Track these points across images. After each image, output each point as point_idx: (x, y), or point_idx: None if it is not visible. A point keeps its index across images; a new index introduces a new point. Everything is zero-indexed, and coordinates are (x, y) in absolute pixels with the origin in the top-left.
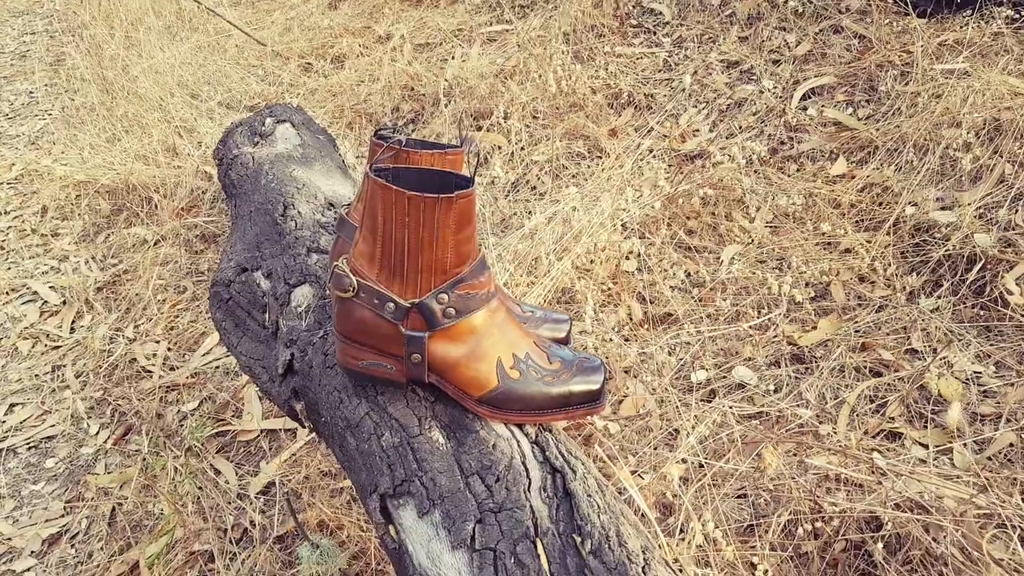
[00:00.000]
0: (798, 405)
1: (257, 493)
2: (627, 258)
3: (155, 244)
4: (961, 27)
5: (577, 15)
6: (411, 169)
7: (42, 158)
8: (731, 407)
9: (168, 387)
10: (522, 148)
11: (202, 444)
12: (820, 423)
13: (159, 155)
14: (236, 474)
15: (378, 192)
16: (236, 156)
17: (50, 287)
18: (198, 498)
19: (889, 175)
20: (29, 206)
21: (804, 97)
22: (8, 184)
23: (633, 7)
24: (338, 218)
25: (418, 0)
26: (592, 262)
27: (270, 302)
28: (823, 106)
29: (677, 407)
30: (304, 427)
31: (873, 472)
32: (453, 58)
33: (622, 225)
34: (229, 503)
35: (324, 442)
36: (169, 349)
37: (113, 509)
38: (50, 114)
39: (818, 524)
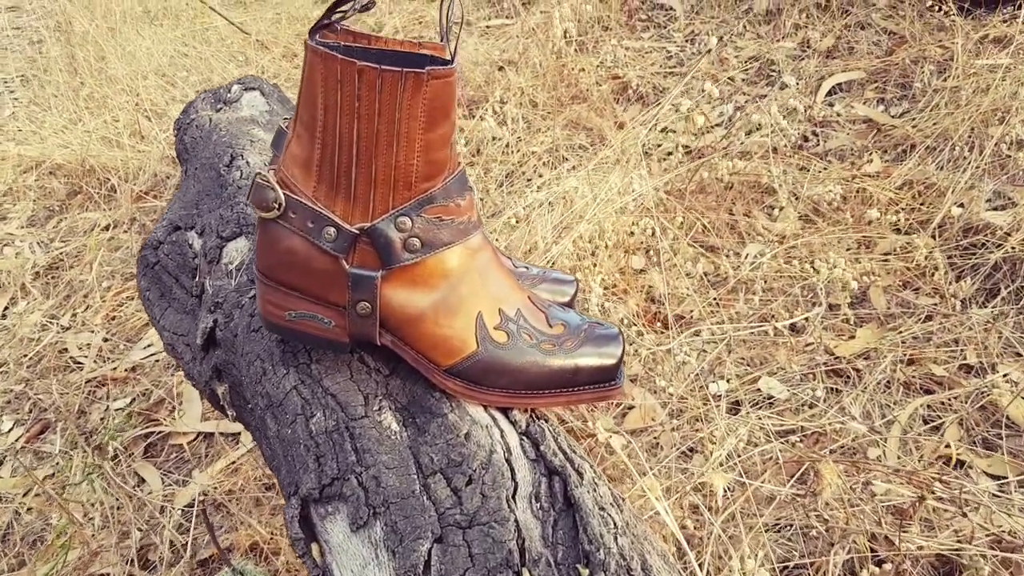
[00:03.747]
0: (842, 421)
1: (185, 506)
2: (635, 254)
3: (107, 228)
4: (1004, 22)
5: (583, 9)
6: (370, 50)
7: (5, 143)
8: (760, 420)
9: (99, 381)
10: (519, 139)
11: (124, 446)
12: (868, 445)
13: (124, 138)
14: (162, 483)
15: (318, 66)
16: (193, 120)
17: None
18: (115, 509)
19: (932, 172)
20: None
21: (830, 93)
22: None
23: (642, 2)
24: (275, 132)
25: None
26: (596, 250)
27: (200, 263)
28: (851, 103)
29: (695, 419)
30: (228, 416)
31: (952, 502)
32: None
33: (631, 210)
34: (149, 519)
35: (252, 436)
36: (106, 340)
37: (11, 520)
38: (21, 102)
39: (885, 566)
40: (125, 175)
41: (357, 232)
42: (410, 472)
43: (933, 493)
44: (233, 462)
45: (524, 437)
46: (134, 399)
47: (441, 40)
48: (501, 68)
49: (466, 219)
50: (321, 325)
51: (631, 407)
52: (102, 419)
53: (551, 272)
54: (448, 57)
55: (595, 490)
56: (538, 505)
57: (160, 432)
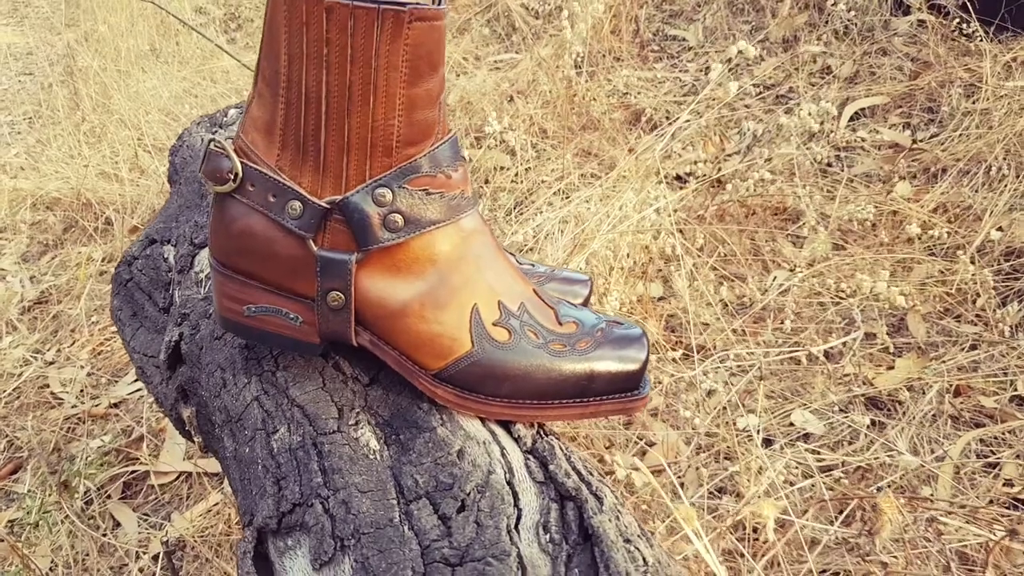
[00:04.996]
0: (891, 455)
1: (158, 553)
2: (653, 280)
3: (101, 261)
4: None
5: (593, 41)
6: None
7: (6, 180)
8: (802, 454)
9: (79, 418)
10: (527, 169)
11: (100, 486)
12: (919, 483)
13: (123, 172)
14: (138, 527)
15: (281, 7)
16: (185, 142)
17: None
18: (84, 555)
19: (967, 195)
20: None
21: (853, 118)
22: None
23: (654, 34)
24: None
25: None
26: (611, 270)
27: (173, 276)
28: (875, 128)
29: (723, 455)
30: (195, 443)
31: None
32: (458, 76)
33: (649, 227)
34: (121, 567)
35: (220, 465)
36: (90, 375)
37: None
38: (27, 142)
39: None
40: (122, 208)
41: (327, 206)
42: (388, 496)
43: (1017, 533)
44: (216, 503)
45: (530, 456)
46: (115, 436)
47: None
48: (511, 99)
49: (458, 194)
50: (286, 322)
51: (651, 443)
52: (73, 457)
53: (560, 271)
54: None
55: (618, 519)
56: (547, 537)
57: (139, 471)
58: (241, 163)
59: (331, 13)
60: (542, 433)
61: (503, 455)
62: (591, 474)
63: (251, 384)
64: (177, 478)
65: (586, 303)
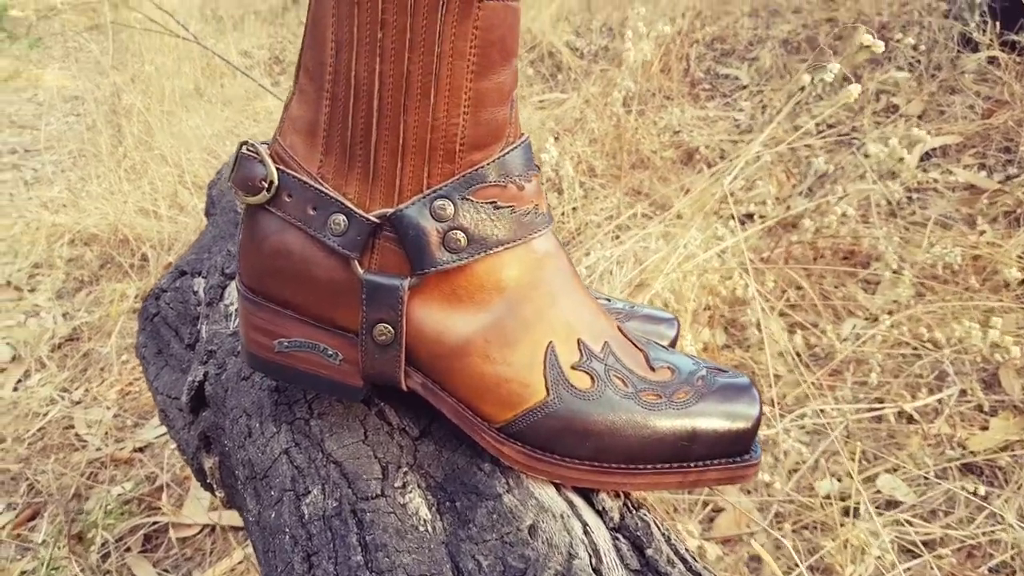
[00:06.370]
0: (1005, 529)
1: None
2: (716, 328)
3: (135, 299)
4: None
5: (642, 79)
6: None
7: (44, 214)
8: (903, 527)
9: (102, 462)
10: (574, 209)
11: (118, 538)
12: None
13: (162, 208)
14: None
15: None
16: (224, 175)
17: (6, 343)
18: None
19: None
20: (15, 262)
21: (923, 159)
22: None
23: (705, 72)
24: None
25: None
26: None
27: (201, 309)
28: (947, 169)
29: (806, 526)
30: (217, 498)
31: None
32: None
33: (716, 268)
34: None
35: (244, 524)
36: (116, 416)
37: None
38: (68, 178)
39: None
40: (159, 245)
41: (376, 221)
42: None
43: None
44: (240, 561)
45: (619, 535)
46: (136, 483)
47: None
48: (557, 137)
49: (531, 209)
50: (323, 360)
51: (719, 509)
52: (84, 510)
53: (641, 307)
54: None
55: None
56: None
57: (161, 523)
58: (277, 169)
59: None
60: (630, 506)
61: (586, 533)
62: (695, 559)
63: (280, 434)
64: (200, 531)
65: (673, 346)
